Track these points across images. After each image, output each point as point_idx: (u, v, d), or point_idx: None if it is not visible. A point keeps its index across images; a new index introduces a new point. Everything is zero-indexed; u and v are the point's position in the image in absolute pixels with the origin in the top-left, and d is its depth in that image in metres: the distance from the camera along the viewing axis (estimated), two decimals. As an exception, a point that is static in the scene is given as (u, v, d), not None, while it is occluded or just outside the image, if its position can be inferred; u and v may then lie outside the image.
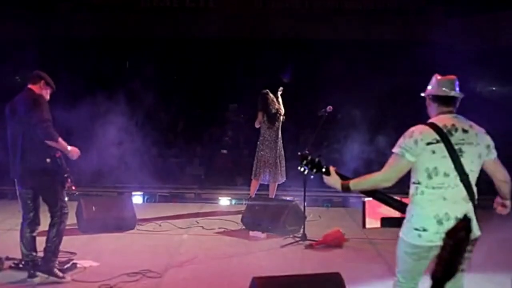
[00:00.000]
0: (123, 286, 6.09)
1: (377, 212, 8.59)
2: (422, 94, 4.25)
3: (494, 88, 17.69)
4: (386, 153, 4.40)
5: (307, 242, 8.04)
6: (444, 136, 3.95)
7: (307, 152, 4.55)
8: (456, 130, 3.99)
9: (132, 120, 12.38)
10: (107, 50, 15.73)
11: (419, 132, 4.03)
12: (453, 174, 3.95)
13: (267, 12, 17.28)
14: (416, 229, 4.01)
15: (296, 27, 16.64)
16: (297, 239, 8.18)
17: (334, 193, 11.94)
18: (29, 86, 6.20)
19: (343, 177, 4.26)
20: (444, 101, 4.12)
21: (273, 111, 9.86)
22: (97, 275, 6.36)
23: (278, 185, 10.07)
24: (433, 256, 3.98)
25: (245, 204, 9.97)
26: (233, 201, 11.86)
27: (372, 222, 8.52)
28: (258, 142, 9.92)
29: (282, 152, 9.96)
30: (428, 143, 3.97)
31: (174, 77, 18.28)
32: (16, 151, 6.06)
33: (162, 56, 16.99)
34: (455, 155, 3.93)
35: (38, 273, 6.12)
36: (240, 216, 9.18)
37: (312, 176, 4.56)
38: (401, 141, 4.07)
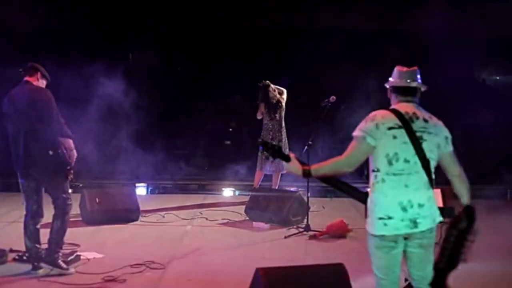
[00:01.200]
0: (126, 278, 6.09)
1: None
2: (386, 85, 4.24)
3: (497, 77, 17.67)
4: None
5: (311, 233, 8.04)
6: (405, 122, 3.94)
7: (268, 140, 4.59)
8: (417, 118, 3.98)
9: (136, 112, 12.38)
10: (109, 40, 15.69)
11: (381, 116, 4.00)
12: (413, 160, 3.92)
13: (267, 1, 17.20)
14: (381, 218, 3.93)
15: (296, 15, 16.57)
16: (301, 229, 8.18)
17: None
18: (27, 78, 6.19)
19: (304, 164, 4.19)
20: (404, 91, 4.12)
21: (274, 102, 9.85)
22: (101, 267, 6.37)
23: (282, 175, 10.06)
24: (403, 247, 3.96)
25: (248, 195, 9.97)
26: (237, 192, 11.87)
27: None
28: (262, 133, 9.91)
29: (286, 142, 9.94)
30: (390, 128, 3.94)
31: (178, 68, 18.24)
32: (18, 144, 6.06)
33: (166, 47, 16.95)
34: (416, 142, 3.92)
35: (42, 265, 6.14)
36: (243, 207, 9.19)
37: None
38: (362, 124, 4.03)
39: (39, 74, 6.22)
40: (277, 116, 9.86)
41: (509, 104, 13.71)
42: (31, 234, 6.19)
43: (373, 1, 15.81)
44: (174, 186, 12.45)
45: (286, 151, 9.85)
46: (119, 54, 15.12)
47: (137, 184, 11.55)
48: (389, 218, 3.91)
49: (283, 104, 9.94)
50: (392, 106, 4.12)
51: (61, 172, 6.14)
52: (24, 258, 6.55)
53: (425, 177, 3.94)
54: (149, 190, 12.10)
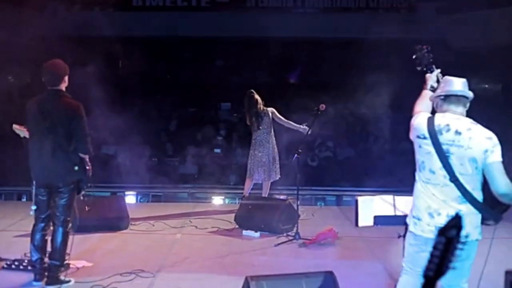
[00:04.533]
0: (116, 286, 6.07)
1: (370, 210, 8.65)
2: (435, 95, 4.19)
3: (487, 86, 17.76)
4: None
5: (301, 241, 8.04)
6: (433, 133, 3.94)
7: None
8: (448, 130, 3.93)
9: (125, 119, 12.37)
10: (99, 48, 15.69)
11: (417, 122, 4.09)
12: (441, 173, 3.92)
13: (260, 11, 17.26)
14: (414, 217, 4.08)
15: (289, 25, 16.63)
16: (291, 237, 8.18)
17: (327, 192, 11.98)
18: (59, 88, 6.07)
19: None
20: (453, 100, 4.07)
21: (256, 112, 9.79)
22: (90, 275, 6.35)
23: (272, 183, 10.06)
24: None
25: (238, 203, 9.96)
26: (227, 200, 11.86)
27: (365, 220, 8.57)
28: (251, 142, 9.91)
29: (276, 150, 9.93)
30: (417, 136, 4.03)
31: (167, 76, 18.27)
32: (43, 155, 5.96)
33: (155, 55, 16.97)
34: (442, 155, 3.89)
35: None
36: (233, 215, 9.17)
37: None
38: (413, 122, 4.17)
39: (66, 78, 6.13)
40: (263, 125, 9.76)
41: (498, 113, 13.80)
42: (39, 245, 6.10)
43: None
44: (163, 194, 12.42)
45: (277, 159, 9.86)
46: (109, 62, 15.12)
47: (126, 193, 11.53)
48: (419, 219, 4.02)
49: (270, 116, 9.80)
50: (437, 113, 4.11)
51: (80, 189, 6.13)
52: (13, 266, 6.53)
53: (456, 191, 3.89)
54: (139, 198, 12.07)
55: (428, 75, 4.46)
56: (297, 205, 8.47)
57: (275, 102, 10.29)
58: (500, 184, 3.82)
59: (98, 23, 14.76)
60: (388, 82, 12.19)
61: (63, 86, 6.12)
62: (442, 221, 3.87)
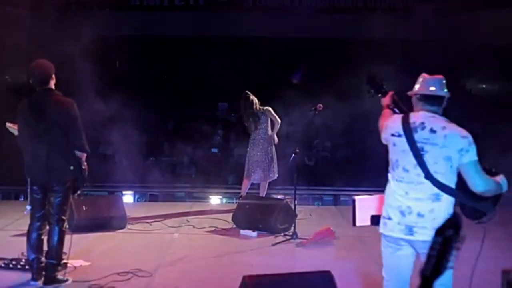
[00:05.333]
0: (113, 286, 6.08)
1: (367, 210, 8.64)
2: (409, 93, 4.19)
3: (484, 86, 17.78)
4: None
5: (298, 240, 8.06)
6: (407, 131, 3.94)
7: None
8: (423, 128, 3.93)
9: (122, 119, 12.36)
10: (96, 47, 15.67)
11: (391, 121, 4.13)
12: (415, 171, 3.90)
13: (255, 11, 17.26)
14: (384, 217, 4.08)
15: (287, 24, 16.63)
16: (288, 237, 8.19)
17: (325, 191, 11.99)
18: (47, 87, 6.05)
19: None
20: (430, 100, 4.06)
21: (252, 112, 9.81)
22: (88, 275, 6.35)
23: (269, 183, 10.06)
24: (407, 251, 3.99)
25: (236, 203, 9.97)
26: (224, 200, 11.87)
27: (362, 220, 8.55)
28: (249, 142, 9.93)
29: (274, 150, 9.93)
30: (392, 135, 4.04)
31: (164, 76, 18.26)
32: (38, 155, 5.95)
33: (152, 55, 16.96)
34: (417, 152, 3.88)
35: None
36: (231, 215, 9.18)
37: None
38: (384, 123, 4.23)
39: (54, 77, 6.11)
40: (260, 127, 9.77)
41: (495, 112, 13.81)
42: (35, 244, 6.08)
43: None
44: (161, 194, 12.43)
45: (274, 158, 9.86)
46: (106, 62, 15.11)
47: (124, 192, 11.53)
48: (389, 218, 4.01)
49: (267, 115, 9.81)
50: (412, 112, 4.12)
51: (75, 188, 6.13)
52: (11, 266, 6.53)
53: (431, 189, 3.87)
54: (136, 198, 12.07)
55: (383, 100, 4.50)
56: (295, 205, 8.47)
57: (272, 102, 10.29)
58: (478, 183, 3.84)
59: (95, 22, 14.76)
60: (386, 82, 12.19)
61: (52, 84, 6.11)
62: (413, 219, 3.88)
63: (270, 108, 9.84)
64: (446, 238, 2.07)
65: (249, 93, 9.90)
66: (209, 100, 17.05)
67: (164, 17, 17.24)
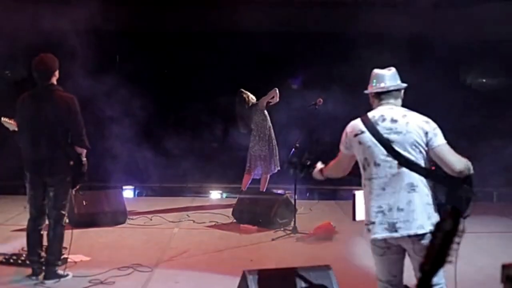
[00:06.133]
0: (114, 281, 6.09)
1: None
2: (365, 92, 4.23)
3: (484, 80, 17.76)
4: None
5: (298, 235, 8.07)
6: (369, 126, 3.93)
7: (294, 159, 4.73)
8: (384, 120, 3.93)
9: (122, 114, 12.35)
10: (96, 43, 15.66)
11: (350, 126, 4.10)
12: (386, 164, 3.87)
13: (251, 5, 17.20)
14: (366, 224, 4.00)
15: (279, 18, 16.57)
16: (288, 232, 8.20)
17: (325, 186, 11.98)
18: (50, 81, 6.07)
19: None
20: (382, 95, 4.09)
21: (243, 112, 9.86)
22: (88, 270, 6.37)
23: (270, 177, 10.06)
24: (394, 250, 3.98)
25: (236, 197, 9.98)
26: (224, 195, 11.88)
27: (362, 215, 8.56)
28: (250, 137, 9.93)
29: (274, 142, 9.93)
30: (355, 135, 4.00)
31: (164, 70, 18.23)
32: (38, 150, 5.95)
33: (152, 49, 16.92)
34: (384, 142, 3.87)
35: (46, 282, 6.04)
36: (231, 209, 9.19)
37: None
38: (342, 135, 4.19)
39: (57, 72, 6.12)
40: (258, 122, 9.77)
41: (494, 107, 13.80)
42: (35, 239, 6.10)
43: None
44: (161, 188, 12.43)
45: (276, 151, 9.84)
46: (106, 56, 15.10)
47: (124, 187, 11.52)
48: (372, 223, 3.93)
49: (262, 112, 9.82)
50: (369, 112, 4.10)
51: (75, 183, 6.13)
52: (11, 261, 6.54)
53: (405, 179, 3.84)
54: (136, 192, 12.08)
55: (313, 173, 4.55)
56: (295, 199, 8.48)
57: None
58: (454, 162, 3.82)
59: (95, 18, 14.74)
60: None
61: (54, 80, 6.10)
62: (394, 215, 3.83)
63: (258, 101, 9.84)
64: (445, 231, 2.07)
65: (243, 90, 9.93)
66: (209, 94, 17.03)
67: (164, 11, 17.20)
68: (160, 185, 12.55)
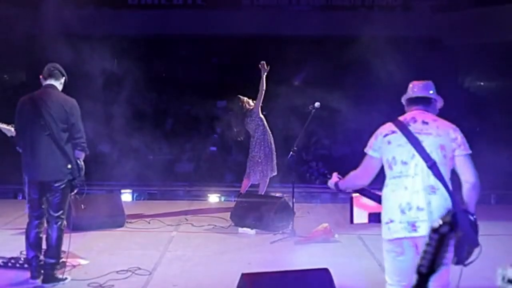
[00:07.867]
0: (112, 284, 6.09)
1: (364, 207, 8.66)
2: (402, 100, 4.38)
3: (482, 83, 17.79)
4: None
5: (296, 238, 8.08)
6: (401, 126, 4.05)
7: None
8: (415, 121, 4.08)
9: (120, 117, 12.38)
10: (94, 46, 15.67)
11: (381, 128, 4.21)
12: (413, 162, 3.97)
13: (255, 9, 17.25)
14: (386, 223, 4.06)
15: (284, 22, 16.62)
16: (286, 235, 8.21)
17: (323, 189, 12.00)
18: (52, 82, 6.10)
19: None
20: (413, 101, 4.25)
21: (240, 116, 9.87)
22: (86, 273, 6.37)
23: (269, 180, 10.04)
24: (411, 253, 4.00)
25: (234, 201, 9.98)
26: (222, 198, 11.88)
27: (360, 218, 8.57)
28: (250, 143, 9.89)
29: (273, 147, 9.92)
30: (385, 135, 4.11)
31: (162, 75, 18.26)
32: (35, 153, 5.95)
33: (151, 54, 16.96)
34: (415, 141, 3.98)
35: (45, 285, 6.05)
36: (229, 213, 9.19)
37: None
38: (370, 140, 4.25)
39: (64, 79, 6.17)
40: (255, 127, 9.75)
41: (492, 110, 13.83)
42: (34, 242, 6.09)
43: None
44: (159, 192, 12.43)
45: (274, 157, 9.83)
46: (104, 60, 15.12)
47: (122, 190, 11.53)
48: (392, 221, 4.01)
49: (257, 116, 9.79)
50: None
51: (73, 187, 6.12)
52: (9, 264, 6.54)
53: (427, 180, 3.93)
54: (135, 196, 12.08)
55: (329, 183, 4.61)
56: (293, 203, 8.49)
57: (270, 101, 10.30)
58: (473, 174, 4.00)
59: (92, 21, 14.76)
60: (384, 79, 12.25)
61: (59, 84, 6.13)
62: (413, 214, 3.90)
63: (254, 103, 9.81)
64: (442, 234, 2.09)
65: (240, 96, 9.92)
66: (207, 98, 17.06)
67: (162, 15, 17.23)
68: (159, 188, 12.55)
